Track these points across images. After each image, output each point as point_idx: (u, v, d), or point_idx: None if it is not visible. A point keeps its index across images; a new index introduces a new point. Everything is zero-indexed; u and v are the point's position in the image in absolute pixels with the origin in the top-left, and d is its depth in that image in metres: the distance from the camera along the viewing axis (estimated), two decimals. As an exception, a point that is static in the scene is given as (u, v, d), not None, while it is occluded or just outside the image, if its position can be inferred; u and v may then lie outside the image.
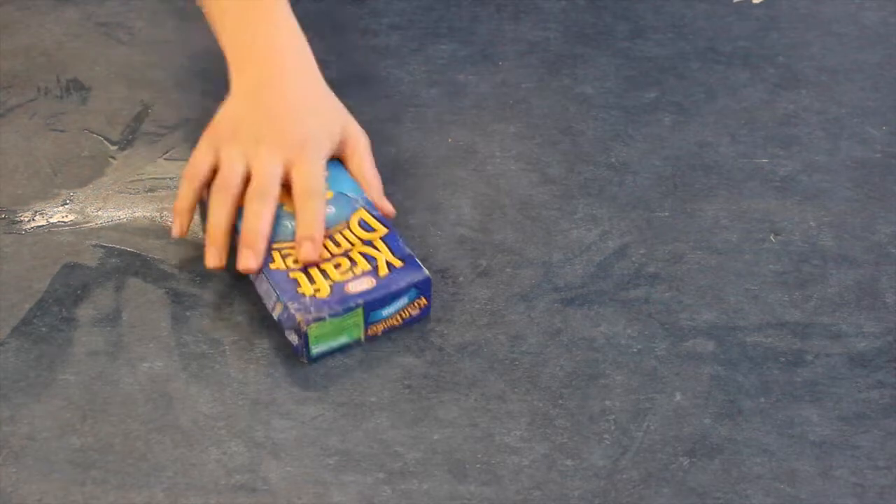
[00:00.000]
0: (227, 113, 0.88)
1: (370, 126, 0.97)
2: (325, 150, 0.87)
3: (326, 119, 0.89)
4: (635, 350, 0.82)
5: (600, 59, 1.08)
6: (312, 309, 0.78)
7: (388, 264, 0.81)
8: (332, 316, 0.78)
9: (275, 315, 0.81)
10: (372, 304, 0.79)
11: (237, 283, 0.85)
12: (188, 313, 0.84)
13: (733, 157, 0.98)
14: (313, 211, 0.82)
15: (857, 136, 1.00)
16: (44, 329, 0.82)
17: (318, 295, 0.79)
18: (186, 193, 0.85)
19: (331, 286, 0.79)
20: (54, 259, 0.87)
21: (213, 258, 0.82)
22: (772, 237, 0.91)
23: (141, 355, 0.81)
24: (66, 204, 0.92)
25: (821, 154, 0.98)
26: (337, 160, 0.89)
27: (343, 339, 0.80)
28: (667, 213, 0.93)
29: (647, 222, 0.92)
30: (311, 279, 0.80)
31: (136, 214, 0.91)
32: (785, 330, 0.83)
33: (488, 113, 1.02)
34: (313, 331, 0.78)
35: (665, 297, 0.86)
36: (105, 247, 0.89)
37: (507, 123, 1.01)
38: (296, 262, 0.81)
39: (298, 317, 0.78)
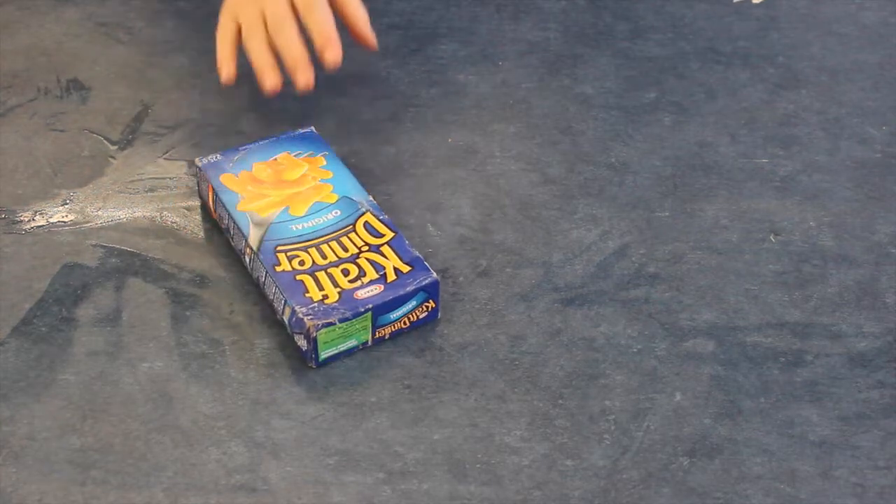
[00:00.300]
0: None
1: (370, 126, 0.97)
2: None
3: None
4: (635, 350, 0.82)
5: (600, 59, 1.08)
6: (321, 314, 0.78)
7: (396, 270, 0.81)
8: (341, 321, 0.78)
9: (284, 318, 0.81)
10: (381, 308, 0.80)
11: (237, 283, 0.85)
12: (188, 313, 0.84)
13: (733, 157, 0.98)
14: (321, 14, 0.88)
15: (857, 136, 1.00)
16: (44, 329, 0.82)
17: (326, 301, 0.79)
18: (222, 45, 0.91)
19: (339, 293, 0.80)
20: (54, 259, 0.87)
21: (270, 80, 0.87)
22: (772, 237, 0.91)
23: (141, 355, 0.81)
24: (66, 204, 0.92)
25: (821, 154, 0.98)
26: (341, 162, 0.90)
27: (351, 343, 0.80)
28: (667, 213, 0.93)
29: (647, 222, 0.92)
30: (318, 283, 0.80)
31: (136, 214, 0.91)
32: (785, 330, 0.83)
33: (488, 113, 1.02)
34: (322, 336, 0.78)
35: (665, 297, 0.86)
36: (105, 247, 0.89)
37: (507, 123, 1.01)
38: (301, 263, 0.82)
39: (308, 322, 0.78)
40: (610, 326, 0.83)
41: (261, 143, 0.91)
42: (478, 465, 0.74)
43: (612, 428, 0.77)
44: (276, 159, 0.89)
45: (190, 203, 0.92)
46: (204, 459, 0.74)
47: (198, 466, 0.74)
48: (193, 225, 0.90)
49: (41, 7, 1.13)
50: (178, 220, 0.91)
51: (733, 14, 1.14)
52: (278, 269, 0.81)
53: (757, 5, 1.15)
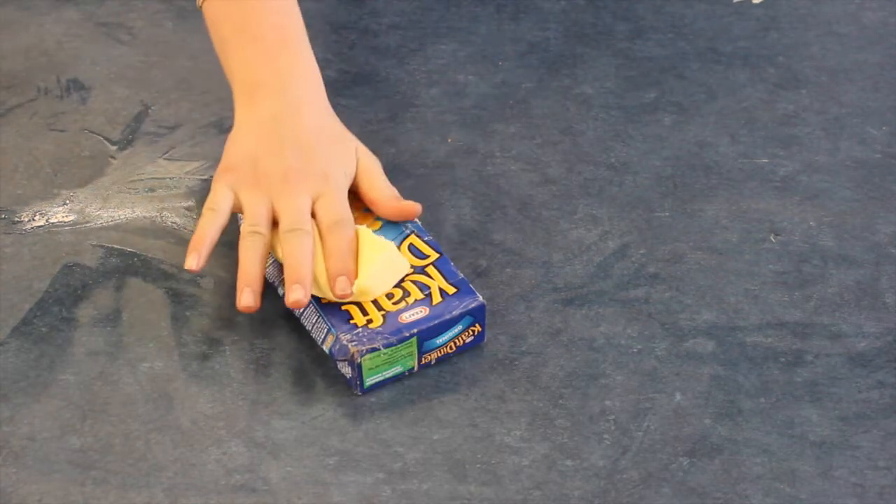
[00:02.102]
0: (241, 149, 0.84)
1: (370, 126, 0.97)
2: (347, 181, 0.84)
3: (344, 149, 0.86)
4: (635, 350, 0.82)
5: (600, 59, 1.08)
6: (366, 340, 0.76)
7: (442, 291, 0.80)
8: (385, 346, 0.76)
9: (325, 348, 0.78)
10: (426, 333, 0.78)
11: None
12: (188, 313, 0.84)
13: (733, 157, 0.98)
14: (341, 242, 0.80)
15: (857, 136, 1.00)
16: (44, 329, 0.82)
17: (370, 325, 0.77)
18: (207, 231, 0.80)
19: (384, 316, 0.78)
20: (54, 259, 0.87)
21: (248, 299, 0.78)
22: (772, 237, 0.91)
23: (141, 355, 0.81)
24: (66, 204, 0.92)
25: (821, 154, 0.98)
26: None
27: (397, 369, 0.78)
28: (667, 213, 0.92)
29: (647, 222, 0.92)
30: (363, 309, 0.78)
31: (136, 214, 0.91)
32: (785, 330, 0.83)
33: (488, 113, 1.02)
34: (367, 362, 0.76)
35: (665, 297, 0.86)
36: (105, 247, 0.89)
37: (507, 123, 1.01)
38: None
39: (352, 348, 0.76)
40: (610, 326, 0.83)
41: None
42: (478, 465, 0.74)
43: (612, 428, 0.77)
44: None
45: (190, 203, 0.92)
46: (204, 459, 0.74)
47: (198, 466, 0.74)
48: (193, 225, 0.90)
49: (41, 7, 1.13)
50: (178, 220, 0.91)
51: (733, 14, 1.14)
52: (324, 300, 0.79)
53: (757, 5, 1.15)
